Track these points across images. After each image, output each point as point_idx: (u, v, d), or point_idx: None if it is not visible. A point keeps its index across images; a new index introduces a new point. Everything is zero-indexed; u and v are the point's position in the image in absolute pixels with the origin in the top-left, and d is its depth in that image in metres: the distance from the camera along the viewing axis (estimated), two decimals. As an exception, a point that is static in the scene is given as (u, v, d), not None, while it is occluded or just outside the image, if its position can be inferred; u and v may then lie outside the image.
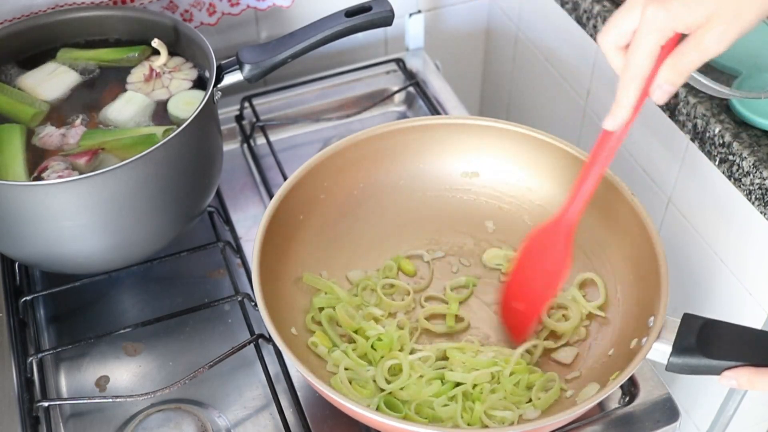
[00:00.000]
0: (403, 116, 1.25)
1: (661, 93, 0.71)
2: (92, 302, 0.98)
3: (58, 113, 0.95)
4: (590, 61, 1.21)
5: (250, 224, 1.07)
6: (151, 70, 0.97)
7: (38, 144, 0.90)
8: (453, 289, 0.96)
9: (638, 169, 1.16)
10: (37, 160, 0.89)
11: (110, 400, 0.86)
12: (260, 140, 1.17)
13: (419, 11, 1.31)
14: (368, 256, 0.98)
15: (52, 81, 0.97)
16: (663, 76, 0.70)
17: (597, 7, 1.12)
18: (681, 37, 0.69)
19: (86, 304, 0.98)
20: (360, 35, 1.00)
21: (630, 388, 0.88)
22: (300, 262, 0.94)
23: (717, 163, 0.96)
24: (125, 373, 0.91)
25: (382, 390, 0.84)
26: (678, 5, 0.66)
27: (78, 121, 0.93)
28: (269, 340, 0.91)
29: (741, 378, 0.73)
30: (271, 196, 1.03)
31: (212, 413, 0.87)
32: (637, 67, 0.70)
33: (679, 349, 0.76)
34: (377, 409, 0.82)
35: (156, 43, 0.96)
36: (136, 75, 0.98)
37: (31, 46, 1.00)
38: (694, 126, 0.98)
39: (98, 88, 0.98)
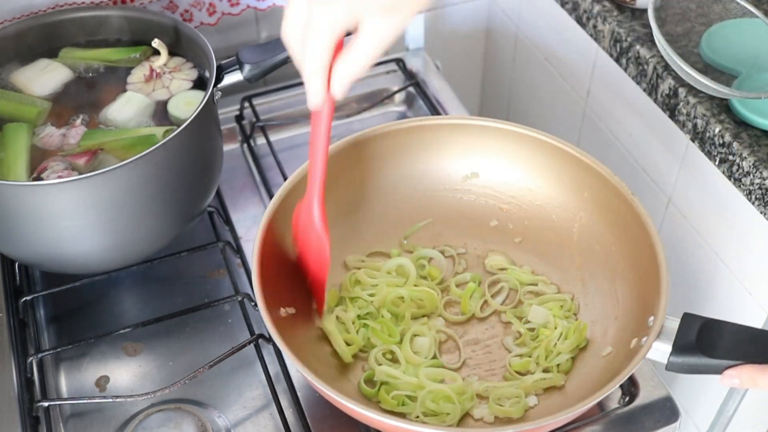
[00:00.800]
0: (403, 116, 1.25)
1: (339, 89, 0.73)
2: (92, 302, 0.98)
3: (58, 113, 0.95)
4: (590, 61, 1.21)
5: (250, 224, 1.07)
6: (152, 70, 0.97)
7: (39, 144, 0.90)
8: (458, 285, 0.96)
9: (638, 169, 1.16)
10: (39, 160, 0.89)
11: (110, 400, 0.86)
12: (260, 140, 1.17)
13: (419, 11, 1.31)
14: (369, 256, 0.99)
15: (43, 77, 0.97)
16: (339, 69, 0.72)
17: (597, 7, 1.12)
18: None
19: (86, 304, 0.98)
20: (360, 35, 1.00)
21: (630, 388, 0.88)
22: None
23: (717, 163, 0.96)
24: (125, 373, 0.91)
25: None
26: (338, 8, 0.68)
27: (78, 121, 0.93)
28: (269, 340, 0.91)
29: (743, 376, 0.73)
30: (271, 196, 1.03)
31: (212, 413, 0.87)
32: (317, 60, 0.72)
33: (679, 348, 0.76)
34: (359, 386, 0.85)
35: (156, 43, 0.96)
36: (137, 75, 0.98)
37: (32, 46, 1.00)
38: (694, 126, 0.98)
39: (98, 88, 0.98)
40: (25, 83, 0.96)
